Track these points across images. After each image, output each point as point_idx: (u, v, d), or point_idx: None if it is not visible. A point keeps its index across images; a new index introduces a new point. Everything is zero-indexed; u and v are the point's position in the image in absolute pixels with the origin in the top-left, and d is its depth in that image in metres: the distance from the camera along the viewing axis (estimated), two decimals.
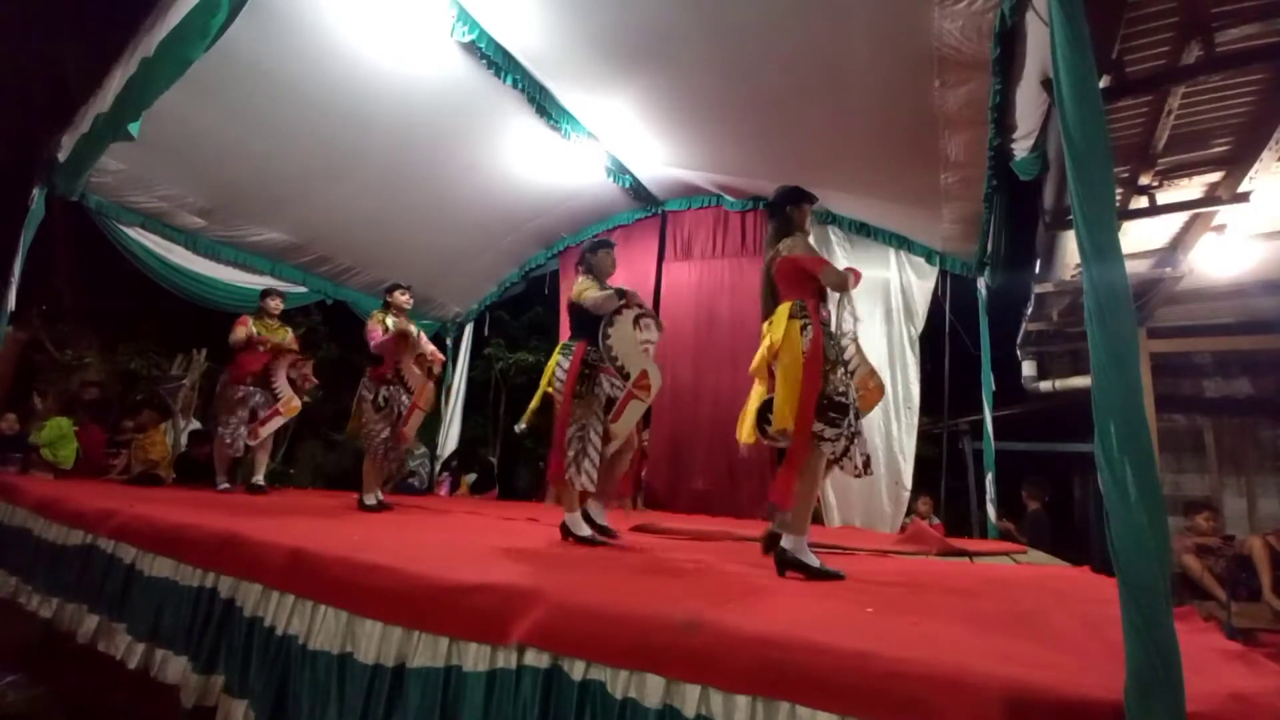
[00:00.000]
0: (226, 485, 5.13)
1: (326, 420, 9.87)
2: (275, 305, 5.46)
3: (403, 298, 4.72)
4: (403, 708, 1.70)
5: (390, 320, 4.57)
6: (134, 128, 3.93)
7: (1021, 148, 3.85)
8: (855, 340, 2.73)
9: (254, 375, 5.19)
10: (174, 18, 3.42)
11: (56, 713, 2.51)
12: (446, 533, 3.30)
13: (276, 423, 5.26)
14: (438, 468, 8.15)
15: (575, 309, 3.29)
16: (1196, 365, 6.24)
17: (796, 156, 5.70)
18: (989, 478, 5.74)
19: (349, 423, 4.69)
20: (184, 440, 7.56)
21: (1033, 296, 5.52)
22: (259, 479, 5.11)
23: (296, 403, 5.32)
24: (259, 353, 5.21)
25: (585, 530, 3.11)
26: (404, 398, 4.51)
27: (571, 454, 3.05)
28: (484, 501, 7.00)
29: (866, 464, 2.50)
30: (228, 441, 5.04)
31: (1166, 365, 5.90)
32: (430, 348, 4.75)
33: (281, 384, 5.24)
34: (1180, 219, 4.39)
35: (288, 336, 5.42)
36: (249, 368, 5.19)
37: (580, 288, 3.29)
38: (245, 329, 5.21)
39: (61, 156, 4.81)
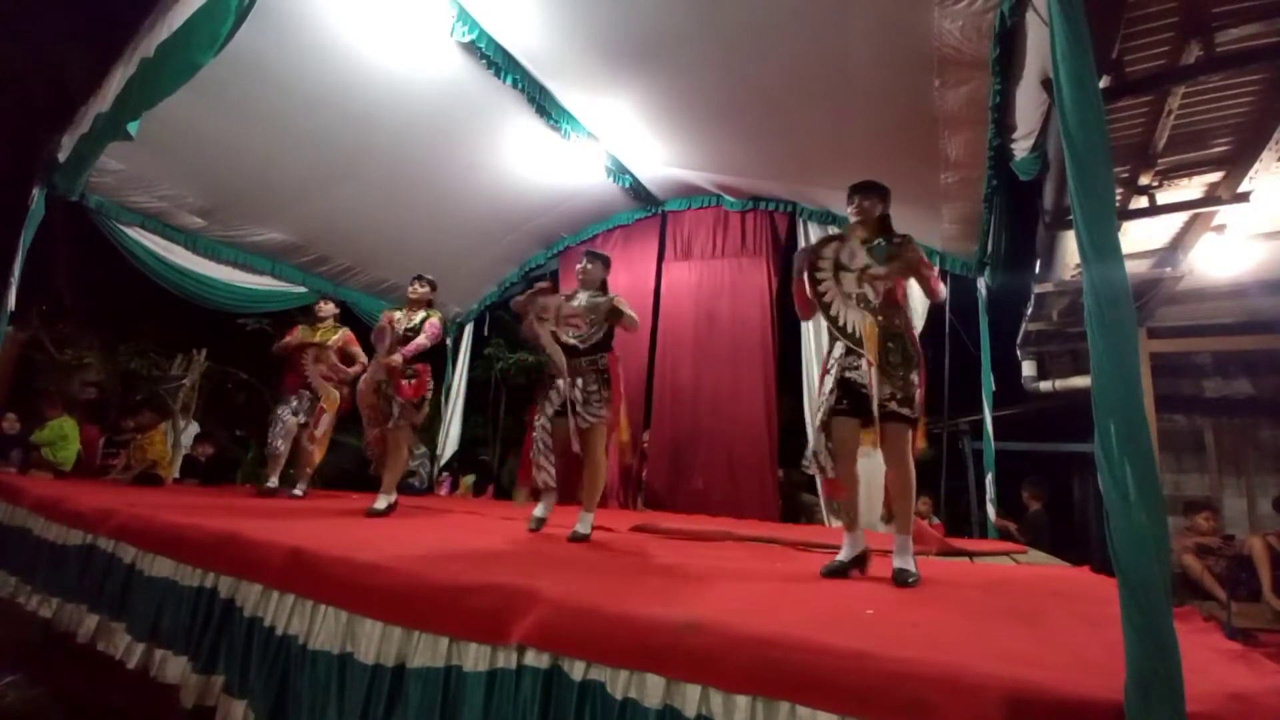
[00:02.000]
0: (297, 491, 5.10)
1: None
2: (318, 308, 5.50)
3: (410, 287, 4.52)
4: (403, 708, 1.70)
5: (398, 314, 4.43)
6: (133, 127, 3.92)
7: (1021, 148, 3.85)
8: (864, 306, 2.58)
9: (299, 383, 5.24)
10: (175, 19, 3.41)
11: (56, 713, 2.51)
12: (446, 533, 3.30)
13: (327, 419, 5.24)
14: (438, 469, 8.15)
15: None
16: (1196, 365, 6.23)
17: (797, 156, 5.70)
18: (989, 478, 5.74)
19: None
20: (185, 441, 7.57)
21: (1033, 296, 5.51)
22: (299, 488, 5.14)
23: (334, 394, 5.27)
24: (298, 362, 5.24)
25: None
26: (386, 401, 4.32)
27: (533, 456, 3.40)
28: (484, 501, 7.01)
29: (827, 469, 2.57)
30: (271, 449, 5.13)
31: (1166, 365, 5.89)
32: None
33: (318, 382, 5.23)
34: (1180, 219, 4.39)
35: (332, 337, 5.32)
36: (291, 377, 5.28)
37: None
38: (289, 337, 5.30)
39: (62, 156, 4.80)
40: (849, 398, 2.52)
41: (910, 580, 2.36)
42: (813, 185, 6.16)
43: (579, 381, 3.29)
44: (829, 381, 2.59)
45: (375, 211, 6.43)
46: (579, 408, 3.26)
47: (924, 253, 2.65)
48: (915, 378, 2.54)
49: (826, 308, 2.61)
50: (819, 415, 2.60)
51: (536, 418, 3.44)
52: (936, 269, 2.72)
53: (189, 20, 3.31)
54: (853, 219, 2.70)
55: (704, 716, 1.37)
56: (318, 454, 5.24)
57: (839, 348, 2.61)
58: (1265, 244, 4.64)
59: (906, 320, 2.63)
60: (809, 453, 2.63)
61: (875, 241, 2.60)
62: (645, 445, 6.78)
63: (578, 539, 3.15)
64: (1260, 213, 4.17)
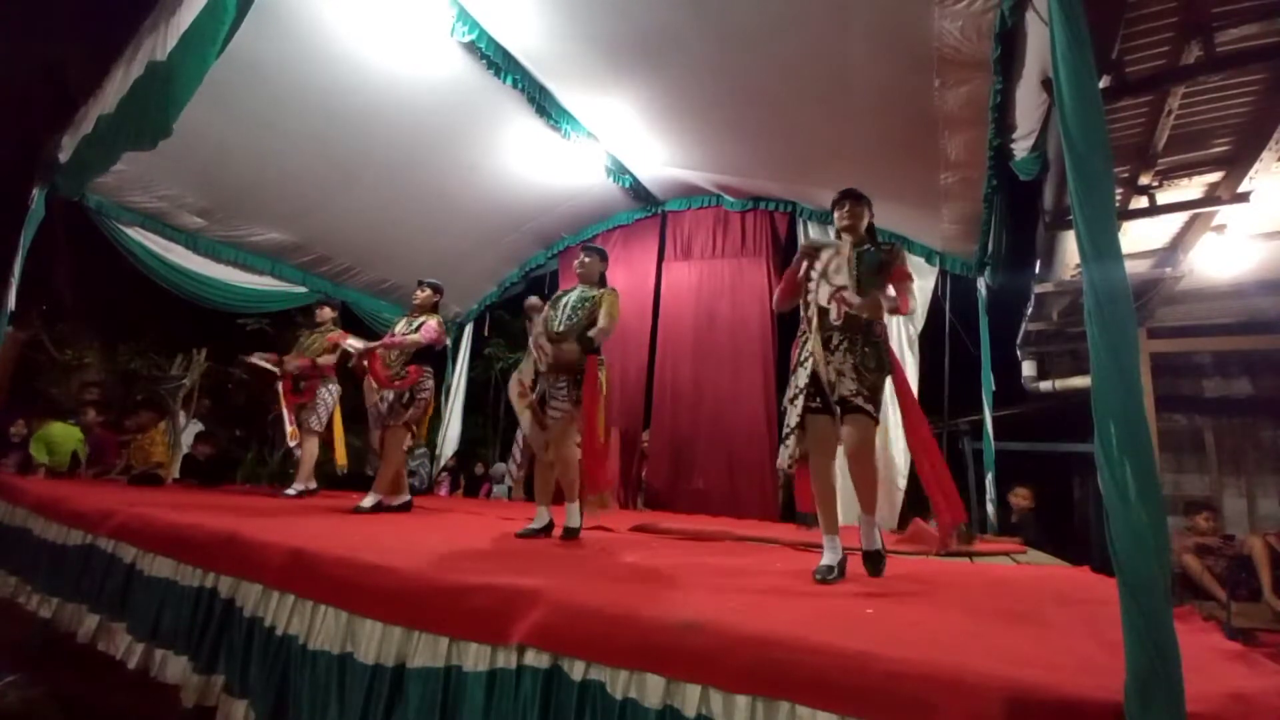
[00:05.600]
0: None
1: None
2: (317, 314, 5.39)
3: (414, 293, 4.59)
4: (403, 708, 1.70)
5: (401, 323, 4.50)
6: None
7: (1021, 148, 3.85)
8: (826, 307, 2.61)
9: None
10: (179, 20, 3.40)
11: (56, 713, 2.51)
12: (446, 533, 3.30)
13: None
14: (437, 469, 8.15)
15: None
16: (1196, 365, 6.23)
17: (796, 156, 5.71)
18: (989, 478, 5.74)
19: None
20: (186, 441, 7.57)
21: (1033, 296, 5.51)
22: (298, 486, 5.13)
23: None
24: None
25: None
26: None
27: None
28: (483, 502, 7.01)
29: (790, 462, 2.55)
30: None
31: (1166, 365, 5.89)
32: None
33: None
34: (1180, 219, 4.39)
35: (317, 344, 5.22)
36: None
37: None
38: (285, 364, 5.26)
39: (62, 157, 4.79)
40: (821, 395, 2.50)
41: (880, 561, 2.48)
42: (813, 185, 6.17)
43: (550, 379, 3.27)
44: (802, 375, 2.56)
45: (375, 211, 6.44)
46: (545, 403, 3.25)
47: (917, 257, 2.66)
48: (884, 384, 2.54)
49: (807, 306, 2.63)
50: (793, 415, 2.55)
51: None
52: (914, 283, 2.71)
53: (194, 22, 3.29)
54: (842, 224, 2.70)
55: (704, 716, 1.37)
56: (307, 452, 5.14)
57: (811, 341, 2.58)
58: (1265, 244, 4.63)
59: (884, 331, 2.63)
60: (785, 456, 2.56)
61: (865, 248, 2.62)
62: (645, 445, 6.78)
63: (568, 534, 3.21)
64: (1260, 213, 4.16)
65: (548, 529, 3.29)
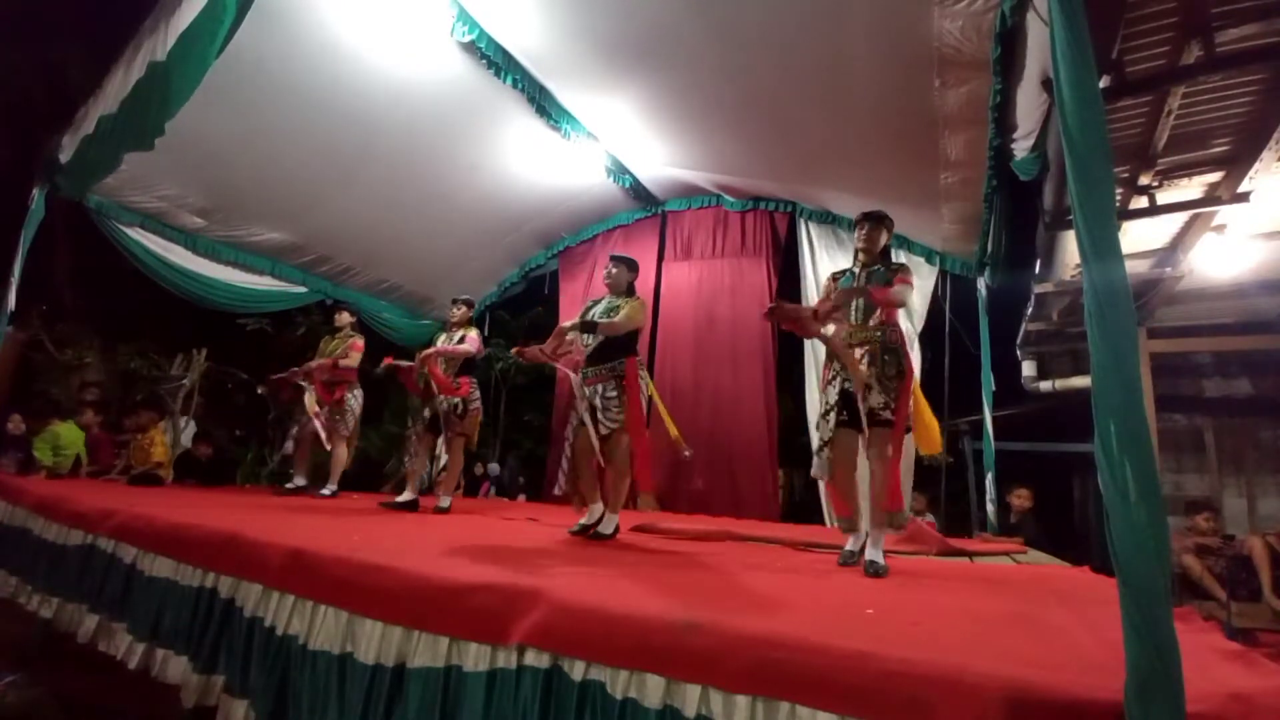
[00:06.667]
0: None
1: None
2: (336, 319, 5.60)
3: (449, 311, 4.90)
4: (403, 708, 1.70)
5: (442, 336, 4.82)
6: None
7: (1021, 148, 3.85)
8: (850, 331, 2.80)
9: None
10: (179, 20, 3.40)
11: (56, 713, 2.51)
12: (446, 533, 3.30)
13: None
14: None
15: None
16: (1196, 365, 6.23)
17: (796, 156, 5.71)
18: (989, 478, 5.74)
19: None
20: (185, 440, 7.58)
21: (1033, 296, 5.51)
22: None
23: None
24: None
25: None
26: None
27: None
28: (483, 501, 7.01)
29: (824, 474, 2.78)
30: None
31: (1166, 365, 5.89)
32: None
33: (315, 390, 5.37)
34: (1180, 219, 4.39)
35: (338, 350, 5.44)
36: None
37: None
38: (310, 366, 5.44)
39: (63, 157, 4.79)
40: (848, 409, 2.70)
41: (880, 571, 2.55)
42: (813, 185, 6.17)
43: (599, 389, 3.25)
44: (832, 392, 2.75)
45: (375, 211, 6.44)
46: (599, 415, 3.23)
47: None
48: (900, 388, 2.72)
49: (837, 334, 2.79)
50: (826, 430, 2.75)
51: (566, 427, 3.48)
52: (909, 286, 2.84)
53: (193, 22, 3.29)
54: (859, 244, 2.89)
55: (704, 716, 1.37)
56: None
57: (837, 362, 2.78)
58: (1265, 244, 4.63)
59: (901, 337, 2.81)
60: (818, 467, 2.80)
61: (875, 268, 2.83)
62: None
63: (598, 538, 3.25)
64: (1260, 213, 4.16)
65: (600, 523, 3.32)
